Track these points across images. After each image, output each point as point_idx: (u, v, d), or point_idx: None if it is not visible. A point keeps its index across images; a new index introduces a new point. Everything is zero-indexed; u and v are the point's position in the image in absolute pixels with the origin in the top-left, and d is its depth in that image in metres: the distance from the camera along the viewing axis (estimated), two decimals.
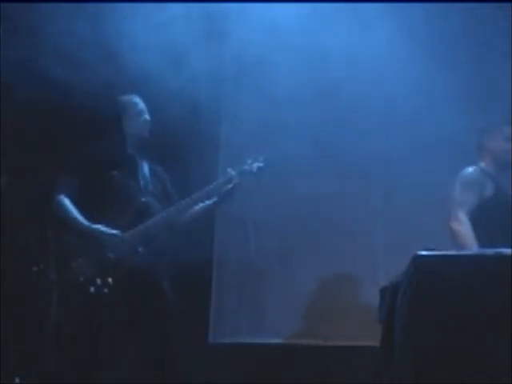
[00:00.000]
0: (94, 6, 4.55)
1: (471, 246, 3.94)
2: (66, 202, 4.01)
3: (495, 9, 4.74)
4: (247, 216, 5.23)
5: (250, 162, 4.17)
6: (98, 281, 3.83)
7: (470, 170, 4.21)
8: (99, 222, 3.92)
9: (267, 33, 4.82)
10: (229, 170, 4.10)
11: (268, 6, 4.76)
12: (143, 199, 4.03)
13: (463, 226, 4.02)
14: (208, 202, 4.09)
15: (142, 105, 4.20)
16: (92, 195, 4.01)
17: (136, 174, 4.12)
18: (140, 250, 3.94)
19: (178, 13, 4.61)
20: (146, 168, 4.18)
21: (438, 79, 4.77)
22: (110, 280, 3.83)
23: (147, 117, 4.17)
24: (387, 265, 4.62)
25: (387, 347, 2.86)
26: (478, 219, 4.08)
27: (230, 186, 4.04)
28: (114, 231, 3.91)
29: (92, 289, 3.82)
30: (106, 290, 3.81)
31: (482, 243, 3.95)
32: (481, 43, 4.86)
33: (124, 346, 3.92)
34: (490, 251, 2.86)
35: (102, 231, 3.91)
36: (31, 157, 4.66)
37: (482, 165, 4.25)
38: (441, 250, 2.91)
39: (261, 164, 4.17)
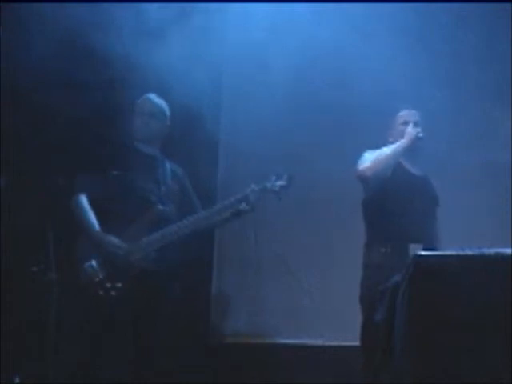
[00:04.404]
0: (90, 6, 4.55)
1: None
2: (84, 202, 3.95)
3: (495, 9, 4.74)
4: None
5: (273, 179, 4.06)
6: (108, 284, 3.81)
7: None
8: (113, 225, 3.89)
9: (267, 33, 4.82)
10: (252, 186, 4.00)
11: (268, 5, 4.77)
12: (161, 207, 3.96)
13: None
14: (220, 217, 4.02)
15: (152, 104, 4.12)
16: (108, 196, 3.96)
17: (156, 177, 4.04)
18: (152, 256, 3.89)
19: (176, 14, 4.61)
20: (167, 170, 4.09)
21: (437, 79, 4.78)
22: (119, 285, 3.81)
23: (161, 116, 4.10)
24: None
25: (387, 347, 2.85)
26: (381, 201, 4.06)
27: (247, 207, 3.97)
28: (123, 245, 3.85)
29: (101, 292, 3.81)
30: (113, 293, 3.80)
31: (387, 225, 3.96)
32: (481, 43, 4.86)
33: (126, 346, 3.92)
34: (490, 251, 2.85)
35: (113, 244, 3.85)
36: (31, 157, 4.66)
37: None
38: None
39: (284, 183, 4.05)
